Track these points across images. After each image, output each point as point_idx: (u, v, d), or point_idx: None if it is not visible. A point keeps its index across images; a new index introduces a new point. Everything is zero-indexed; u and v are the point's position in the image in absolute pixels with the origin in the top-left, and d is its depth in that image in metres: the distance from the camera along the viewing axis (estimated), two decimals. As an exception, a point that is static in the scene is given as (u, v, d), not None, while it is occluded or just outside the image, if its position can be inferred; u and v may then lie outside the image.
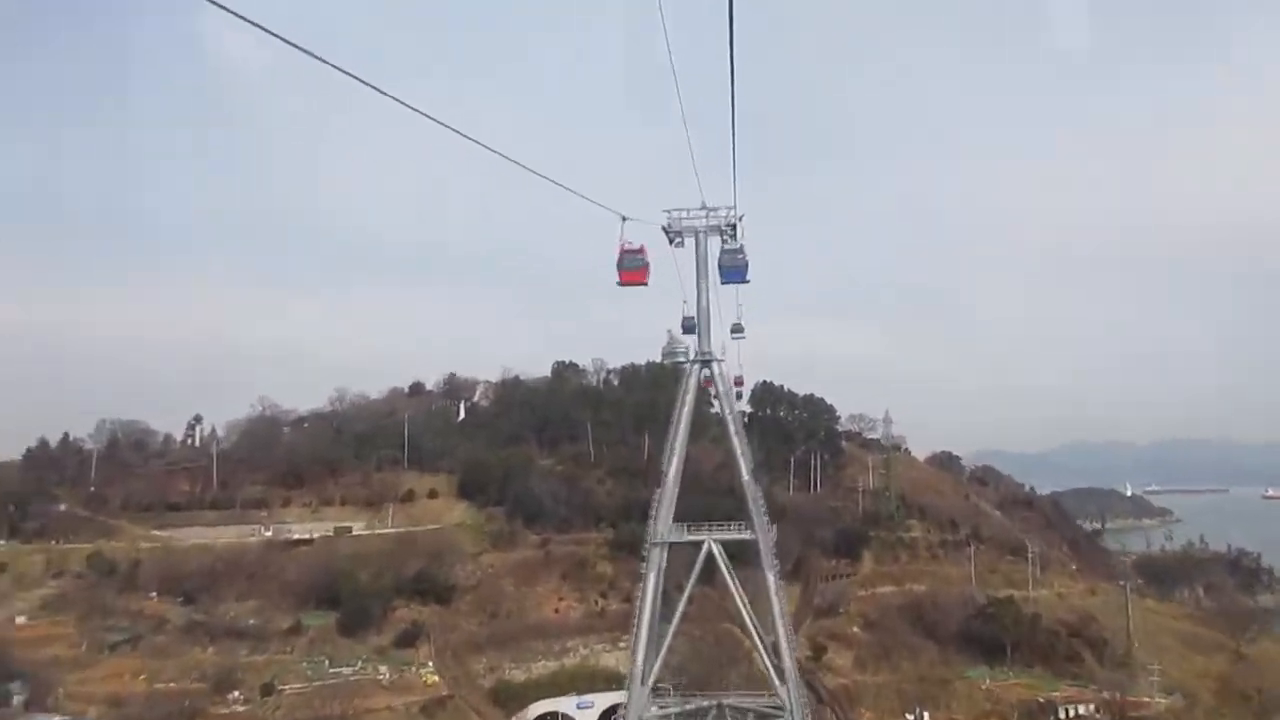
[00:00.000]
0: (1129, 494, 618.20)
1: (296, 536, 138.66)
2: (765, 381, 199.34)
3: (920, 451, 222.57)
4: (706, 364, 69.41)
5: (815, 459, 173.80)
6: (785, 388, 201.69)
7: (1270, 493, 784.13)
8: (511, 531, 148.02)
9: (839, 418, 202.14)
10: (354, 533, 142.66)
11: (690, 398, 71.81)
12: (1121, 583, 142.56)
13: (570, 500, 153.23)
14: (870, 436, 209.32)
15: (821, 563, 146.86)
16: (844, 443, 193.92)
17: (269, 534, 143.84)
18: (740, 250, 53.17)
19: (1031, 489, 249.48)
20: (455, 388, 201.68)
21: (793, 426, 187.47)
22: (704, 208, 62.58)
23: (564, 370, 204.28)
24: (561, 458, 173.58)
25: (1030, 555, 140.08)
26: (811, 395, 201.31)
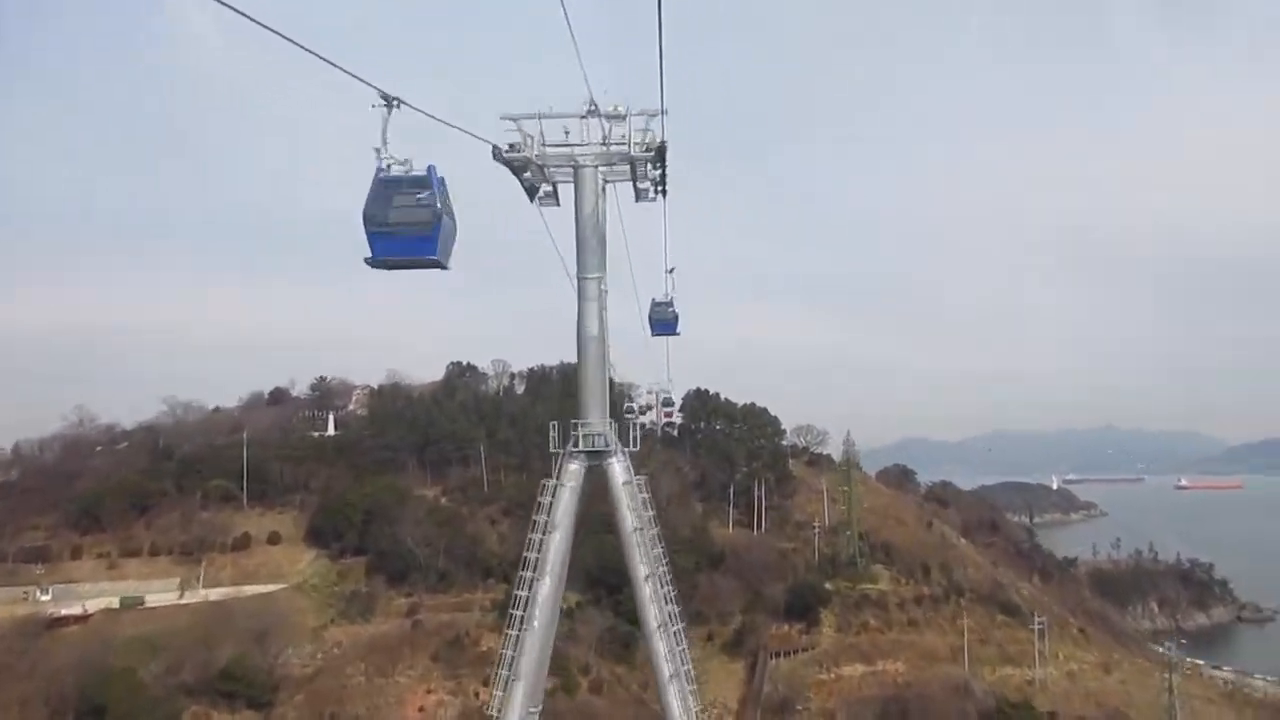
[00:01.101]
0: (1055, 487, 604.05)
1: (65, 612, 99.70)
2: (699, 389, 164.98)
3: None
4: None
5: (759, 486, 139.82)
6: (722, 396, 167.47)
7: (1183, 482, 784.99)
8: (370, 594, 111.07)
9: (784, 431, 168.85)
10: (149, 604, 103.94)
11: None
12: (1163, 650, 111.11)
13: (452, 548, 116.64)
14: (818, 451, 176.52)
15: (770, 628, 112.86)
16: (790, 461, 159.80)
17: (46, 599, 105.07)
18: (670, 303, 37.99)
19: (992, 518, 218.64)
20: (325, 395, 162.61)
21: (731, 443, 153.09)
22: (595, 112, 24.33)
23: (458, 374, 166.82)
24: (448, 487, 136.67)
25: (1037, 627, 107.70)
26: (753, 406, 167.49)
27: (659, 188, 27.26)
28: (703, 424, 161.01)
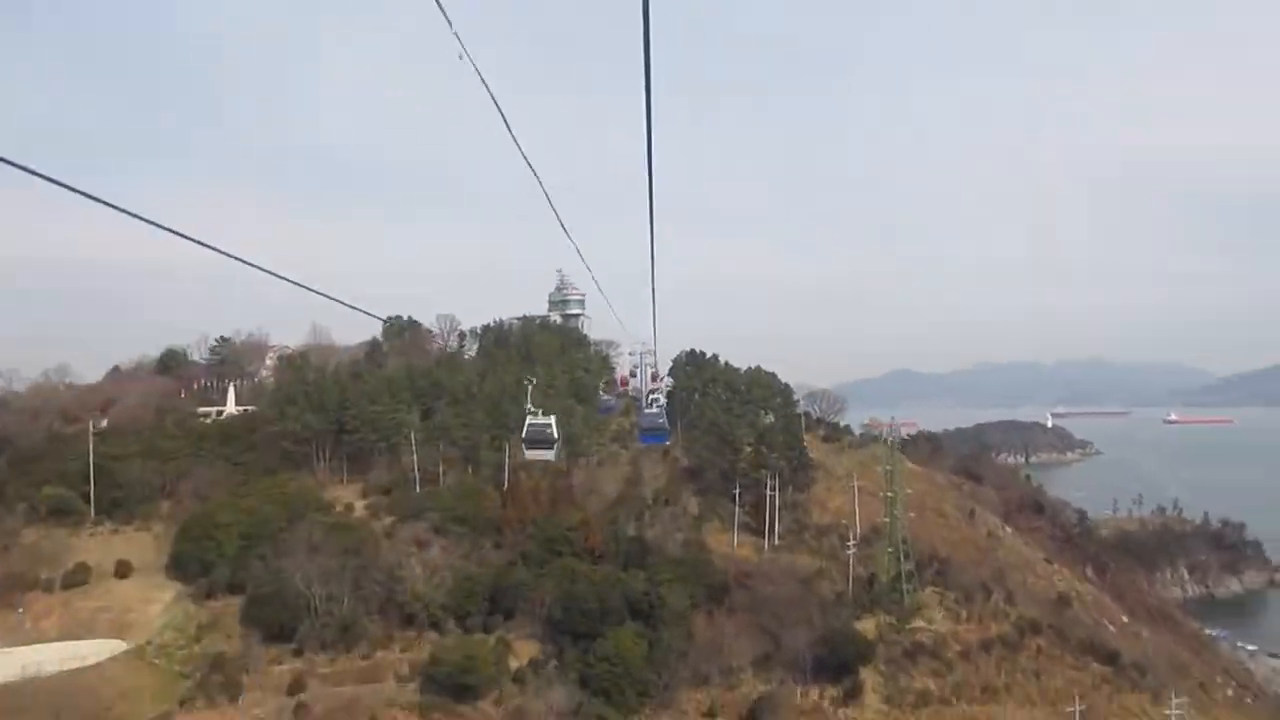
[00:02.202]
0: (1049, 425, 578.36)
1: None
2: (692, 352, 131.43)
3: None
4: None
5: (772, 482, 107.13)
6: (721, 359, 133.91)
7: (1172, 417, 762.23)
8: (244, 658, 78.55)
9: (797, 401, 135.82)
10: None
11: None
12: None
13: (361, 585, 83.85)
14: (833, 420, 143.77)
15: (794, 696, 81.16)
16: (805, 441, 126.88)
17: None
18: (660, 414, 46.73)
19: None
20: (229, 362, 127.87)
21: (733, 420, 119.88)
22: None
23: (395, 333, 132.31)
24: (370, 488, 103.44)
25: (1174, 703, 75.73)
26: (758, 370, 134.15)
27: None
28: (696, 395, 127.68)
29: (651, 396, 52.10)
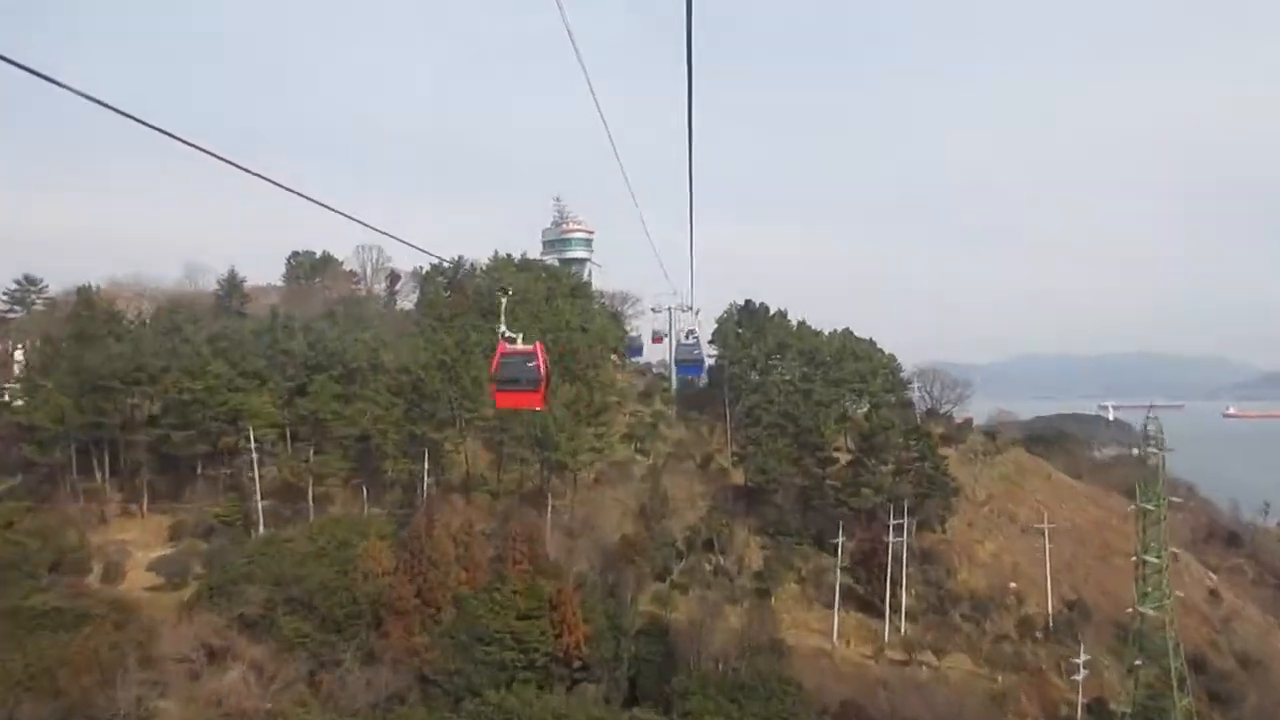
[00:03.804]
0: (1111, 417, 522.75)
1: None
2: (747, 303, 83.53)
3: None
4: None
5: (896, 519, 59.32)
6: (789, 316, 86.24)
7: (1232, 410, 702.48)
8: None
9: (908, 383, 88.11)
10: None
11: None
12: None
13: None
14: (947, 412, 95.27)
15: None
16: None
17: None
18: (695, 346, 42.77)
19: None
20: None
21: (814, 410, 71.75)
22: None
23: (303, 270, 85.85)
24: (180, 527, 56.52)
25: None
26: (847, 334, 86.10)
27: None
28: (754, 370, 79.66)
29: (688, 331, 41.78)
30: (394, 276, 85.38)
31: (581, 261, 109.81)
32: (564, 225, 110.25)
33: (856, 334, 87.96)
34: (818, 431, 69.10)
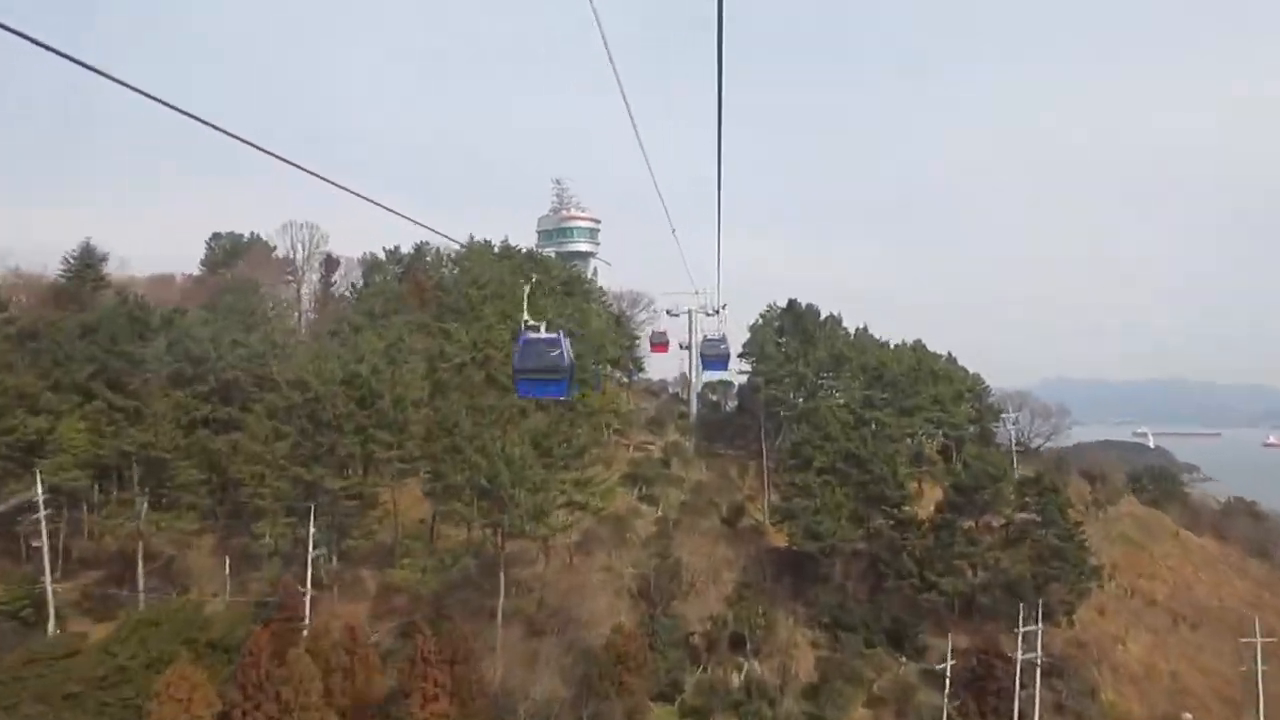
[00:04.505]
0: (1151, 445, 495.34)
1: None
2: (791, 304, 62.78)
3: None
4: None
5: (1028, 607, 39.00)
6: (843, 322, 65.97)
7: (1272, 440, 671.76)
8: None
9: (999, 411, 67.81)
10: None
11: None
12: None
13: None
14: (1029, 443, 74.55)
15: None
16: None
17: None
18: (722, 340, 37.48)
19: None
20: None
21: (883, 446, 51.30)
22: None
23: (224, 255, 66.77)
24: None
25: None
26: (919, 348, 65.67)
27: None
28: (801, 391, 59.28)
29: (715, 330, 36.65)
30: (331, 262, 66.03)
31: (585, 256, 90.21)
32: (564, 212, 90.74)
33: (927, 349, 67.70)
34: (892, 479, 48.67)
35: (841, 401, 57.31)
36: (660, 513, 56.91)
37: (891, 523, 49.00)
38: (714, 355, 40.18)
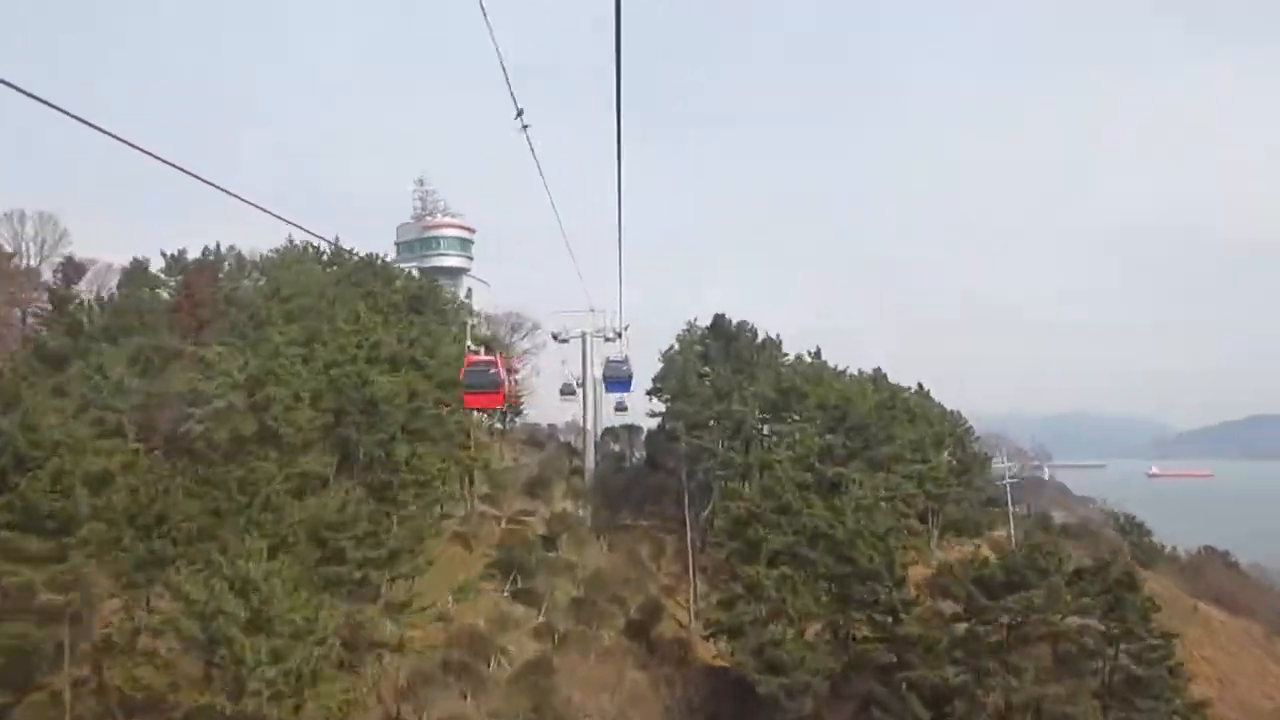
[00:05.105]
0: (1047, 477, 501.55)
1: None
2: (718, 319, 45.58)
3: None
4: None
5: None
6: (782, 346, 49.41)
7: (1154, 470, 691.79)
8: None
9: (989, 458, 52.60)
10: None
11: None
12: None
13: None
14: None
15: None
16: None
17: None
18: (624, 362, 36.63)
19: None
20: None
21: (865, 529, 34.96)
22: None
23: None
24: None
25: None
26: (879, 375, 49.90)
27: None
28: (732, 440, 42.59)
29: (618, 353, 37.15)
30: (74, 267, 46.44)
31: (455, 273, 72.40)
32: (428, 219, 72.89)
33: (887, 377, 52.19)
34: (886, 571, 32.24)
35: (790, 453, 40.79)
36: (541, 618, 39.31)
37: (881, 637, 32.63)
38: (616, 377, 37.06)
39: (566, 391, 52.04)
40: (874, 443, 42.44)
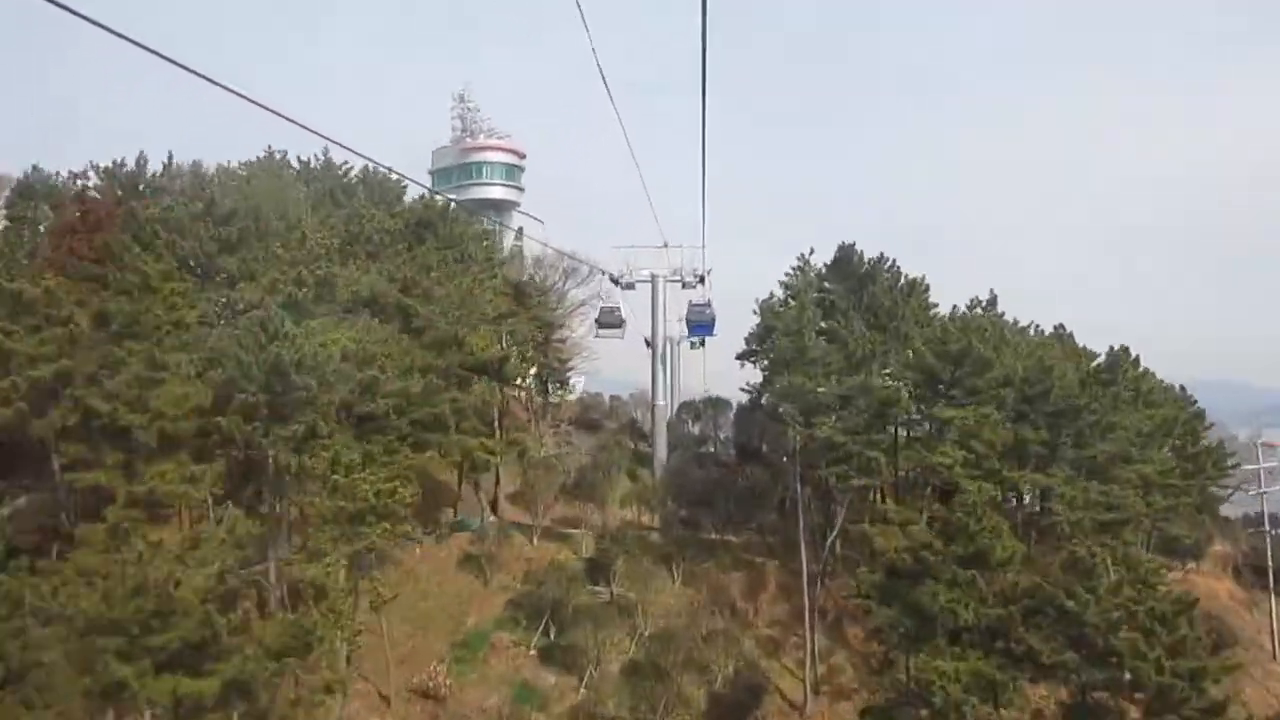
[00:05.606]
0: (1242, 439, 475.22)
1: None
2: (846, 250, 30.23)
3: None
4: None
5: None
6: (899, 270, 34.25)
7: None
8: None
9: (1231, 456, 37.02)
10: None
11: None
12: None
13: None
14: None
15: None
16: None
17: None
18: (708, 305, 35.24)
19: None
20: None
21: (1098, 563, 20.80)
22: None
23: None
24: None
25: None
26: (1063, 333, 34.66)
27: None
28: (872, 429, 28.34)
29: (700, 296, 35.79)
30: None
31: (501, 207, 58.97)
32: (469, 141, 59.48)
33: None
34: (1189, 689, 18.01)
35: (965, 453, 26.33)
36: (584, 691, 26.09)
37: None
38: (700, 321, 35.08)
39: (607, 322, 37.34)
40: (1087, 435, 27.72)
